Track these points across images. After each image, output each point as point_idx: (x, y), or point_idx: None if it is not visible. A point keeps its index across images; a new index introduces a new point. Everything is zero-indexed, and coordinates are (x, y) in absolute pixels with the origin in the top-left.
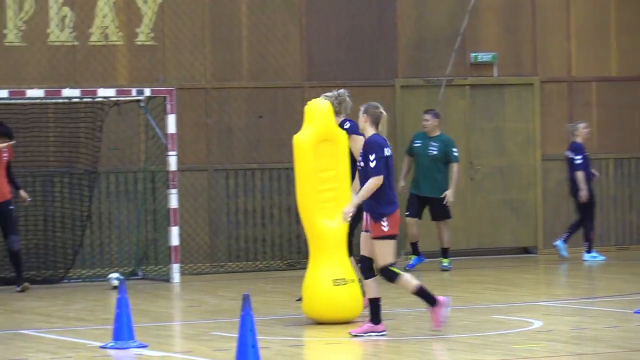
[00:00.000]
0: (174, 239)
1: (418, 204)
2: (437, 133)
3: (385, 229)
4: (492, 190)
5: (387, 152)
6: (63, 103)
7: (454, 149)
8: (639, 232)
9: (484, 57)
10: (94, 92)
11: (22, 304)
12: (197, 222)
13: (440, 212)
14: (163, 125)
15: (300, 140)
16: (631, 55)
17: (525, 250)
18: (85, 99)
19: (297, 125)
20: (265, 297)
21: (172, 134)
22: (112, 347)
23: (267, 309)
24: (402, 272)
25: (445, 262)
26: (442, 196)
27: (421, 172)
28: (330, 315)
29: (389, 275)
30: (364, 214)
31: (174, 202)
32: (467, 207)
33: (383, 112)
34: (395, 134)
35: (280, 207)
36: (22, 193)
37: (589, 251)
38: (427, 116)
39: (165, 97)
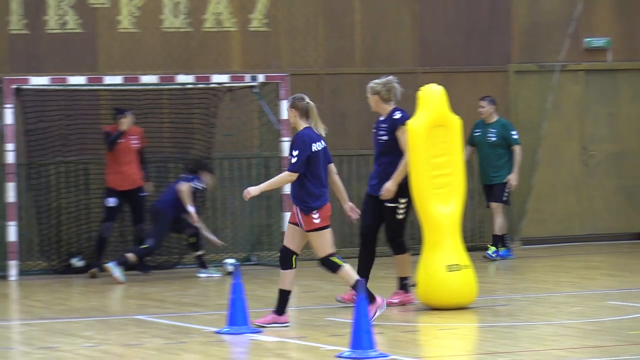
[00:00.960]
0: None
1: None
2: (495, 119)
3: (317, 221)
4: (606, 176)
5: (315, 147)
6: (177, 89)
7: (513, 132)
8: None
9: (597, 42)
10: (208, 78)
11: (136, 289)
12: None
13: (497, 195)
14: (276, 110)
15: (414, 126)
16: None
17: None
18: (199, 85)
19: (410, 111)
20: (378, 283)
21: (285, 119)
22: (226, 333)
23: (380, 295)
24: (343, 264)
25: (491, 250)
26: (504, 181)
27: (484, 160)
28: (444, 301)
29: (330, 265)
30: (295, 207)
31: (287, 188)
32: (581, 193)
33: (310, 102)
34: (508, 119)
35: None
36: (146, 186)
37: None
38: (483, 102)
39: (278, 83)
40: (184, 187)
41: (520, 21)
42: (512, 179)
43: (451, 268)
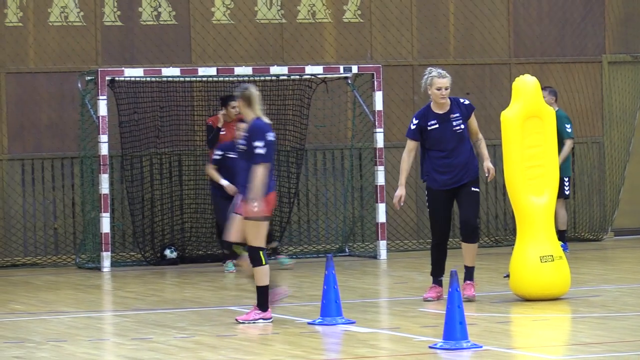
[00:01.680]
0: (381, 216)
1: None
2: (555, 109)
3: (256, 209)
4: None
5: (270, 137)
6: (271, 80)
7: (567, 125)
8: None
9: None
10: (302, 70)
11: (228, 280)
12: None
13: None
14: (370, 102)
15: (508, 117)
16: None
17: None
18: (292, 77)
19: (504, 101)
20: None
21: (379, 111)
22: (319, 324)
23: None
24: (266, 264)
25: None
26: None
27: None
28: (537, 292)
29: (254, 257)
30: (239, 197)
31: (380, 179)
32: None
33: (253, 91)
34: (602, 110)
35: (487, 183)
36: None
37: None
38: (544, 93)
39: (372, 74)
40: (206, 168)
41: (615, 12)
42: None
43: (545, 259)
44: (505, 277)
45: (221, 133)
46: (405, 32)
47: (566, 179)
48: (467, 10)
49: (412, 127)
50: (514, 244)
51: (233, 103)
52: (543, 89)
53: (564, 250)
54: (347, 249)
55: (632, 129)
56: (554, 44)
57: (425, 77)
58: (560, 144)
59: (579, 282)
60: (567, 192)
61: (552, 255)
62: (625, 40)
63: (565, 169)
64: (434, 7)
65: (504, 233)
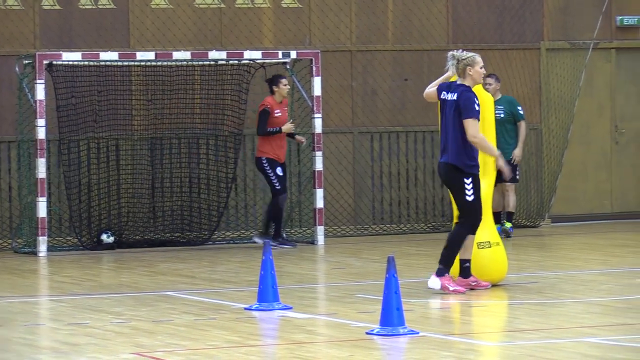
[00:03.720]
0: (319, 202)
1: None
2: (499, 96)
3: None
4: (637, 153)
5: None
6: (209, 65)
7: (519, 107)
8: None
9: (630, 20)
10: (240, 55)
11: (166, 265)
12: (341, 184)
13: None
14: (308, 87)
15: None
16: None
17: None
18: (231, 62)
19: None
20: (409, 260)
21: (317, 96)
22: (256, 309)
23: (410, 272)
24: None
25: (508, 225)
26: (511, 157)
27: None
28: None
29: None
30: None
31: (318, 164)
32: (612, 171)
33: None
34: (540, 97)
35: (424, 170)
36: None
37: None
38: (490, 80)
39: (311, 59)
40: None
41: None
42: (517, 154)
43: (482, 245)
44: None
45: (277, 115)
46: (344, 17)
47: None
48: None
49: (477, 107)
50: (450, 231)
51: (284, 81)
52: (488, 76)
53: (509, 231)
54: (284, 234)
55: (570, 116)
56: (492, 30)
57: (464, 57)
58: (514, 127)
59: (517, 269)
60: (517, 177)
61: (489, 242)
62: (563, 28)
63: (507, 153)
64: None
65: (442, 220)
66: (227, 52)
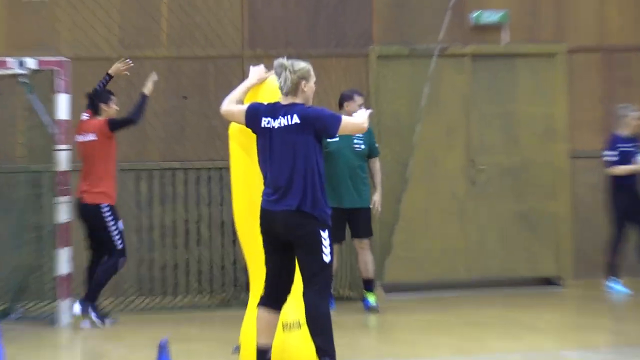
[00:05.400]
0: (63, 266)
1: (341, 222)
2: None
3: None
4: (500, 198)
5: None
6: None
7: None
8: None
9: (489, 17)
10: None
11: None
12: None
13: (365, 225)
14: (51, 108)
15: (236, 130)
16: None
17: (547, 282)
18: None
19: None
20: (189, 346)
21: (63, 120)
22: None
23: None
24: None
25: (372, 298)
26: (370, 205)
27: (342, 176)
28: None
29: None
30: None
31: (64, 214)
32: (467, 223)
33: None
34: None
35: (210, 221)
36: None
37: (612, 279)
38: (359, 98)
39: (54, 70)
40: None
41: None
42: (378, 201)
43: (289, 326)
44: (234, 351)
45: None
46: (102, 14)
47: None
48: None
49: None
50: (246, 305)
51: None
52: (353, 92)
53: (375, 307)
54: (16, 311)
55: (409, 148)
56: (303, 31)
57: (299, 68)
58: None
59: (341, 357)
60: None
61: (298, 321)
62: (398, 29)
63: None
64: None
65: (234, 291)
66: None
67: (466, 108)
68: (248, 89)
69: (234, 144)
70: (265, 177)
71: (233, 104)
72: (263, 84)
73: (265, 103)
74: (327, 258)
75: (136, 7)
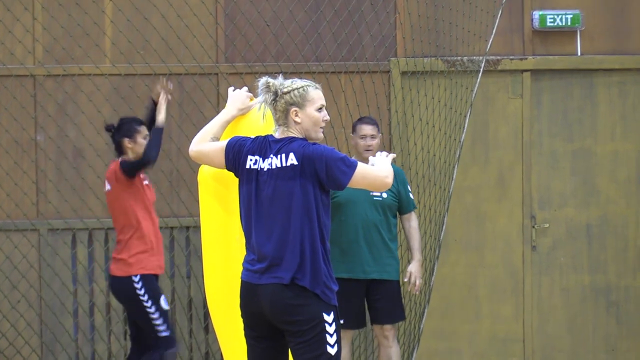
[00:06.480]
0: None
1: (357, 298)
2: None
3: None
4: (571, 269)
5: None
6: None
7: (409, 186)
8: None
9: (558, 17)
10: None
11: None
12: None
13: (390, 307)
14: None
15: (211, 174)
16: None
17: None
18: None
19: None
20: None
21: None
22: None
23: None
24: None
25: None
26: (403, 278)
27: (354, 236)
28: None
29: None
30: None
31: None
32: (525, 302)
33: None
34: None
35: (173, 299)
36: None
37: None
38: (371, 129)
39: None
40: None
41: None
42: (416, 271)
43: None
44: None
45: None
46: (26, 21)
47: None
48: None
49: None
50: None
51: None
52: (365, 121)
53: None
54: None
55: (445, 195)
56: (302, 41)
57: (289, 88)
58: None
59: None
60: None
61: None
62: (430, 35)
63: (398, 263)
64: None
65: None
66: None
67: (524, 144)
68: (227, 123)
69: (205, 195)
70: (248, 238)
71: (206, 142)
72: (246, 116)
73: (252, 137)
74: (332, 350)
75: (63, 13)
